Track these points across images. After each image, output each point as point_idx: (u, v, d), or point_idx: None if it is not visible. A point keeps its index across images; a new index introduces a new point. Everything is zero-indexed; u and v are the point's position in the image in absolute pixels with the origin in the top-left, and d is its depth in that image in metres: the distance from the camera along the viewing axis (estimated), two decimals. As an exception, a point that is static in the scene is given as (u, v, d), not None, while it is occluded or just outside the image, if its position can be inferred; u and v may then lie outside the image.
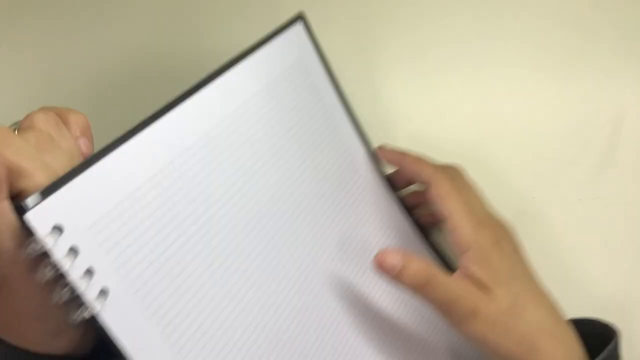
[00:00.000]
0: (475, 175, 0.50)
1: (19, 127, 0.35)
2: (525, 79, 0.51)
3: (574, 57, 0.51)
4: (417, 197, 0.49)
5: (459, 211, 0.41)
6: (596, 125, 0.51)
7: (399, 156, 0.46)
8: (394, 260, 0.38)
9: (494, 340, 0.38)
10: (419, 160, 0.45)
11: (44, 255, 0.30)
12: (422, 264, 0.38)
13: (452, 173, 0.44)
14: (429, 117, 0.51)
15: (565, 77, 0.51)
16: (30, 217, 0.29)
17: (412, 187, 0.50)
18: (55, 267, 0.30)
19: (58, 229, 0.30)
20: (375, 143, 0.50)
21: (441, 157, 0.50)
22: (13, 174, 0.30)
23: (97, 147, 0.34)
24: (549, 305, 0.41)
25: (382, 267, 0.38)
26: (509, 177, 0.51)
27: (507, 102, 0.51)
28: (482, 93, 0.51)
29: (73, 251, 0.31)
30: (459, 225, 0.40)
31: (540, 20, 0.51)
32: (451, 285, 0.38)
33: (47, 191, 0.30)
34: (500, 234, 0.42)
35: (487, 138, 0.51)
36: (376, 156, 0.49)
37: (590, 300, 0.50)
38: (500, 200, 0.46)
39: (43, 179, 0.31)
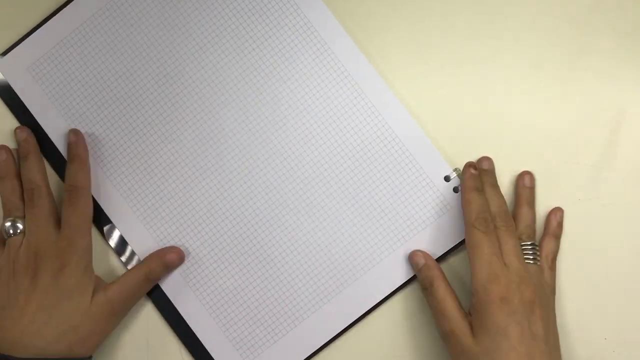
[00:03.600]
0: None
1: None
2: (525, 79, 0.51)
3: (574, 57, 0.51)
4: None
5: (478, 261, 0.44)
6: (596, 125, 0.51)
7: (463, 187, 0.48)
8: (419, 260, 0.48)
9: None
10: (470, 201, 0.47)
11: None
12: (432, 273, 0.47)
13: (495, 222, 0.46)
14: (429, 117, 0.51)
15: (565, 77, 0.51)
16: None
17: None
18: None
19: None
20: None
21: (442, 155, 0.50)
22: None
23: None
24: None
25: (410, 260, 0.49)
26: (508, 177, 0.51)
27: (507, 102, 0.51)
28: (482, 93, 0.51)
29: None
30: (474, 273, 0.44)
31: (540, 21, 0.51)
32: (444, 302, 0.45)
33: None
34: (513, 292, 0.43)
35: (487, 138, 0.51)
36: None
37: (590, 299, 0.50)
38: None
39: None
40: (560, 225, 0.49)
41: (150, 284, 0.48)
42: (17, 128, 0.49)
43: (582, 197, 0.50)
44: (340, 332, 0.49)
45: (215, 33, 0.50)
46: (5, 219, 0.47)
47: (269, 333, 0.49)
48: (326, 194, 0.49)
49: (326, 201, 0.49)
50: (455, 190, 0.49)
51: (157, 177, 0.50)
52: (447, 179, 0.49)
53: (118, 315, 0.47)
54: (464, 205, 0.47)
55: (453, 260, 0.50)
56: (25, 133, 0.49)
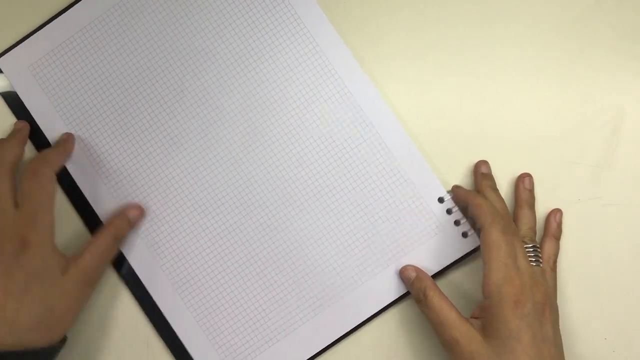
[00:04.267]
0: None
1: None
2: (525, 79, 0.51)
3: (574, 57, 0.51)
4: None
5: (495, 262, 0.43)
6: (596, 125, 0.51)
7: (466, 194, 0.48)
8: (410, 273, 0.48)
9: None
10: (481, 204, 0.46)
11: None
12: (424, 284, 0.46)
13: (506, 223, 0.45)
14: (429, 117, 0.51)
15: (565, 77, 0.51)
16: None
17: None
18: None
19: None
20: (375, 143, 0.50)
21: (441, 157, 0.50)
22: None
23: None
24: None
25: (401, 275, 0.49)
26: (508, 177, 0.51)
27: (507, 102, 0.51)
28: (482, 93, 0.51)
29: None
30: (489, 275, 0.43)
31: (541, 21, 0.51)
32: (442, 311, 0.44)
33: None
34: (527, 295, 0.43)
35: (487, 138, 0.51)
36: None
37: (590, 300, 0.50)
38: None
39: None
40: (559, 226, 0.49)
41: (118, 245, 0.47)
42: (16, 122, 0.49)
43: (582, 197, 0.50)
44: (327, 346, 0.49)
45: (215, 25, 0.50)
46: None
47: (255, 343, 0.49)
48: (319, 209, 0.49)
49: (319, 216, 0.49)
50: (449, 212, 0.49)
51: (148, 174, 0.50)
52: (440, 200, 0.49)
53: (92, 284, 0.45)
54: (475, 209, 0.46)
55: (452, 275, 0.50)
56: (21, 125, 0.49)
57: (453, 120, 0.51)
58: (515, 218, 0.48)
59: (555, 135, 0.51)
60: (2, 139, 0.47)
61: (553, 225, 0.49)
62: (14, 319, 0.40)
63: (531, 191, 0.49)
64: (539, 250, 0.47)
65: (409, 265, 0.49)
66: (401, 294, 0.49)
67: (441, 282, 0.49)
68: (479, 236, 0.47)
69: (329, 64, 0.50)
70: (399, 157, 0.49)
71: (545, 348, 0.42)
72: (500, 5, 0.51)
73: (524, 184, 0.49)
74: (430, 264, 0.49)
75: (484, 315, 0.44)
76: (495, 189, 0.49)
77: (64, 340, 0.44)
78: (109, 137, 0.50)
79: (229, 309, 0.49)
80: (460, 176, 0.51)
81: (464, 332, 0.43)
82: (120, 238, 0.47)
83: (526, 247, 0.46)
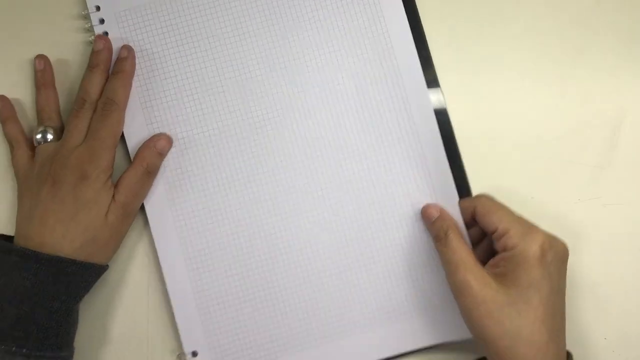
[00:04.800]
0: (474, 175, 0.50)
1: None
2: (525, 79, 0.51)
3: (574, 57, 0.51)
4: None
5: (509, 217, 0.44)
6: (596, 125, 0.51)
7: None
8: (433, 212, 0.48)
9: (477, 319, 0.42)
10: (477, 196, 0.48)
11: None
12: (447, 223, 0.46)
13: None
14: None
15: (565, 77, 0.51)
16: None
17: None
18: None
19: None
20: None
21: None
22: None
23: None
24: (553, 328, 0.42)
25: (423, 213, 0.48)
26: (508, 177, 0.51)
27: (507, 102, 0.51)
28: (482, 93, 0.51)
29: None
30: (509, 228, 0.44)
31: (540, 21, 0.51)
32: (460, 252, 0.44)
33: None
34: (551, 244, 0.43)
35: (487, 138, 0.51)
36: None
37: (590, 299, 0.50)
38: (500, 200, 0.46)
39: None
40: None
41: (152, 177, 0.49)
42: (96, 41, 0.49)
43: (582, 197, 0.50)
44: None
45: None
46: (37, 127, 0.48)
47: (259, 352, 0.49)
48: (334, 236, 0.49)
49: (336, 248, 0.49)
50: None
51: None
52: None
53: (130, 215, 0.48)
54: (465, 203, 0.48)
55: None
56: (102, 45, 0.49)
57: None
58: None
59: (555, 135, 0.51)
60: (91, 71, 0.48)
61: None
62: (59, 242, 0.44)
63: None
64: None
65: (431, 203, 0.49)
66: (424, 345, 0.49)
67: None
68: None
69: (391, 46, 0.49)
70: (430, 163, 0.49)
71: (558, 300, 0.43)
72: (500, 5, 0.51)
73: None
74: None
75: (501, 265, 0.43)
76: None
77: (105, 267, 0.47)
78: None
79: (239, 314, 0.49)
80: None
81: (479, 277, 0.43)
82: (153, 171, 0.48)
83: None
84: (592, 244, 0.50)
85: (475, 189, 0.50)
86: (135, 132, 0.49)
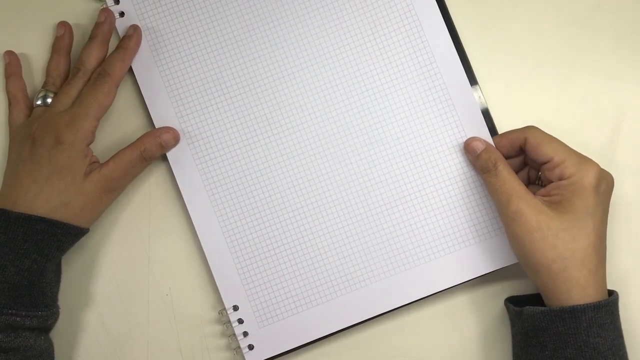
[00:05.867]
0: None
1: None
2: (525, 79, 0.51)
3: (574, 57, 0.51)
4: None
5: (564, 148, 0.45)
6: (596, 125, 0.51)
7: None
8: (478, 144, 0.48)
9: (530, 244, 0.43)
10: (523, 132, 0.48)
11: None
12: (496, 154, 0.47)
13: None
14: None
15: (565, 77, 0.51)
16: None
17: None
18: None
19: None
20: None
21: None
22: None
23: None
24: (600, 255, 0.44)
25: (467, 147, 0.49)
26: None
27: (507, 102, 0.51)
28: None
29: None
30: (565, 157, 0.45)
31: (541, 21, 0.52)
32: (512, 181, 0.45)
33: None
34: (604, 174, 0.45)
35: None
36: None
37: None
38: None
39: None
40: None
41: (145, 163, 0.49)
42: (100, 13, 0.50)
43: (582, 197, 0.50)
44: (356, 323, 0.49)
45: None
46: (40, 90, 0.49)
47: (292, 302, 0.49)
48: (386, 190, 0.50)
49: (387, 195, 0.50)
50: None
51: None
52: None
53: (111, 192, 0.48)
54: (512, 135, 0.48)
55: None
56: (104, 17, 0.50)
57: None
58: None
59: (556, 135, 0.50)
60: (90, 42, 0.49)
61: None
62: (33, 202, 0.45)
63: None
64: None
65: (475, 137, 0.49)
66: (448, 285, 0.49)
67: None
68: None
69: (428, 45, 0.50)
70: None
71: (605, 229, 0.45)
72: (500, 5, 0.52)
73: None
74: (490, 262, 0.50)
75: (555, 193, 0.44)
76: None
77: (83, 230, 0.47)
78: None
79: (273, 266, 0.50)
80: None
81: (532, 204, 0.44)
82: (148, 158, 0.48)
83: None
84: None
85: (474, 184, 0.49)
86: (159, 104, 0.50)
